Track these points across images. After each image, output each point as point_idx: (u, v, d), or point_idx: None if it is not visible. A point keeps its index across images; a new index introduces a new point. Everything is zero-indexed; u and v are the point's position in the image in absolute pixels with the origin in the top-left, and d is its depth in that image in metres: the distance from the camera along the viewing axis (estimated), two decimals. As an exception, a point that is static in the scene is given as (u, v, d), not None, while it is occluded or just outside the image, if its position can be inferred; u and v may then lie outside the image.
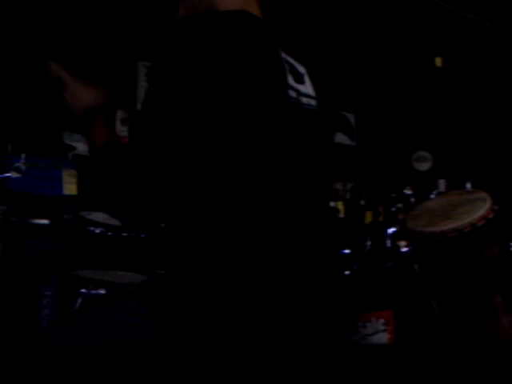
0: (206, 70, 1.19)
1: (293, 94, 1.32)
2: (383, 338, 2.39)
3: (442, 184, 4.20)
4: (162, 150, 1.19)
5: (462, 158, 4.47)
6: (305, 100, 1.35)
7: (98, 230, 2.24)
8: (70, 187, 2.69)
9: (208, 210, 1.23)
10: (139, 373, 1.32)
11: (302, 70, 1.38)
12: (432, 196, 3.13)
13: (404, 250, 2.61)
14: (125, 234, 2.32)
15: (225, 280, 1.20)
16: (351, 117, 4.27)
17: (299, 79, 1.36)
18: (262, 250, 1.23)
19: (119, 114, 3.09)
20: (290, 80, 1.32)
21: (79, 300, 2.06)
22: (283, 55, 1.33)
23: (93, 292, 2.08)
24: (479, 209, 2.33)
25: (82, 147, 2.90)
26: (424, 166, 4.34)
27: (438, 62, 4.38)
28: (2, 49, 2.83)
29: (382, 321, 2.40)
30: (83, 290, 2.08)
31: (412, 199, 3.04)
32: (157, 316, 1.26)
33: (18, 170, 2.19)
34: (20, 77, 2.87)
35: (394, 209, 2.98)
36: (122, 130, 3.02)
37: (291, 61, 1.35)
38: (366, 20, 4.19)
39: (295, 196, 1.29)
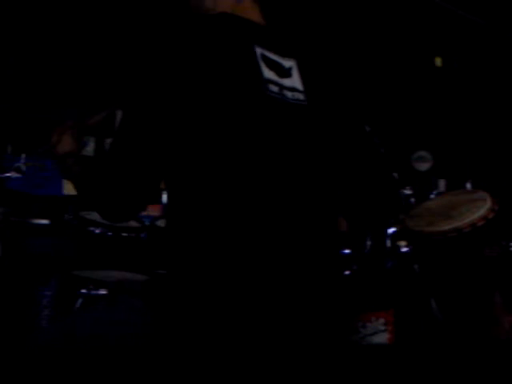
0: (182, 68, 1.24)
1: (274, 88, 1.32)
2: (383, 337, 2.39)
3: (441, 184, 4.20)
4: (145, 146, 1.23)
5: (462, 157, 4.47)
6: (289, 94, 1.35)
7: (97, 230, 2.24)
8: (69, 187, 2.69)
9: (202, 210, 1.23)
10: (140, 372, 1.32)
11: (287, 64, 1.38)
12: (432, 196, 3.12)
13: (404, 249, 2.61)
14: (125, 234, 2.32)
15: (225, 280, 1.20)
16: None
17: (284, 73, 1.36)
18: (261, 250, 1.22)
19: (119, 114, 3.08)
20: (270, 74, 1.33)
21: (79, 300, 2.05)
22: (261, 51, 1.34)
23: (93, 292, 2.08)
24: (479, 209, 2.33)
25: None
26: (424, 166, 4.33)
27: (438, 62, 4.37)
28: (2, 50, 2.82)
29: (381, 321, 2.39)
30: (83, 290, 2.08)
31: (412, 199, 3.03)
32: (158, 315, 1.27)
33: (18, 169, 2.18)
34: (20, 77, 2.87)
35: (393, 209, 2.97)
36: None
37: (273, 56, 1.35)
38: (366, 20, 4.19)
39: (283, 190, 1.28)
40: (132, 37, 3.27)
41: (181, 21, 1.38)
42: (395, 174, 1.61)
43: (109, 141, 2.72)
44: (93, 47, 3.13)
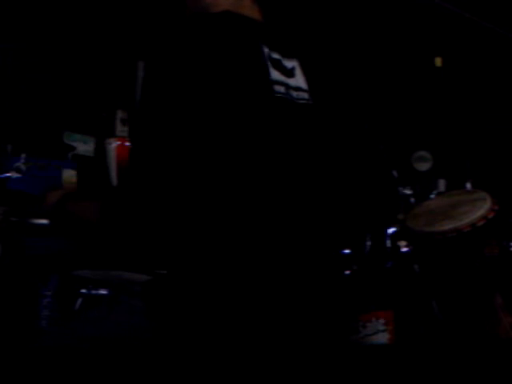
0: (188, 69, 1.22)
1: (280, 88, 1.33)
2: (383, 337, 2.39)
3: (441, 184, 4.20)
4: (154, 147, 1.21)
5: (461, 157, 4.46)
6: (295, 94, 1.36)
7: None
8: (69, 187, 2.69)
9: (205, 210, 1.23)
10: (140, 372, 1.32)
11: (290, 64, 1.38)
12: (432, 196, 3.12)
13: (404, 249, 2.61)
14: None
15: (226, 280, 1.20)
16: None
17: (288, 73, 1.37)
18: (262, 250, 1.22)
19: (119, 114, 3.08)
20: (276, 75, 1.33)
21: (79, 300, 2.05)
22: (267, 51, 1.34)
23: (93, 292, 2.08)
24: (479, 209, 2.33)
25: (81, 147, 2.90)
26: (424, 166, 4.33)
27: (438, 62, 4.37)
28: (2, 49, 2.83)
29: (381, 321, 2.39)
30: (83, 290, 2.08)
31: (412, 199, 3.03)
32: (158, 315, 1.26)
33: (18, 169, 2.18)
34: (20, 77, 2.87)
35: (394, 209, 2.97)
36: (121, 130, 3.01)
37: (276, 56, 1.35)
38: (365, 20, 4.19)
39: (292, 190, 1.29)
40: (136, 35, 3.27)
41: (186, 19, 1.36)
42: (394, 172, 1.61)
43: (109, 141, 2.71)
44: (94, 48, 3.13)
